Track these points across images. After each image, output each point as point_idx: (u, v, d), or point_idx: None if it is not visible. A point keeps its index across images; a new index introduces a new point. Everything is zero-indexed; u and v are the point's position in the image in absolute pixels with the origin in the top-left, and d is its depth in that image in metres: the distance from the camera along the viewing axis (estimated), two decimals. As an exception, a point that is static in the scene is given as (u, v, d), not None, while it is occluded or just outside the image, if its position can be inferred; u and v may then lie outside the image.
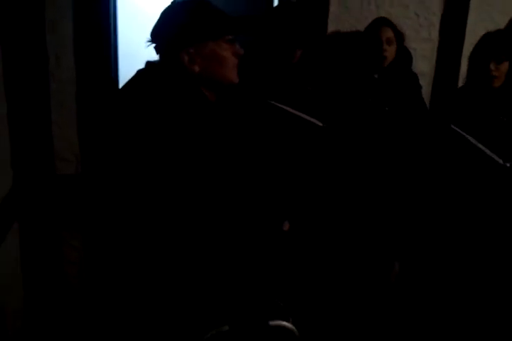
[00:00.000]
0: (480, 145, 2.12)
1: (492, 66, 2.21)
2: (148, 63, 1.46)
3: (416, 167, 2.38)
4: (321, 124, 2.25)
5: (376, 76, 2.47)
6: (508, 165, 2.11)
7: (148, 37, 1.45)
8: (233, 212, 1.46)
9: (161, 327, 1.46)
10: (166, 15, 1.45)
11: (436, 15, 2.64)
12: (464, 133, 2.17)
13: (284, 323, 1.48)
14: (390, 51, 2.42)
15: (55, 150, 2.39)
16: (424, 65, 2.67)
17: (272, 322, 1.45)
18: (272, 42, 2.32)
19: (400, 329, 2.48)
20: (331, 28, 2.58)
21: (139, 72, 1.46)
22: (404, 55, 2.52)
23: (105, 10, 2.37)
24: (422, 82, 2.58)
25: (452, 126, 2.22)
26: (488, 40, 2.27)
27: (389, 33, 2.42)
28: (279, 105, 2.20)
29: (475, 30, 2.60)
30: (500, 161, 2.12)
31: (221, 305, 1.45)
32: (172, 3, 1.47)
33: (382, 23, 2.45)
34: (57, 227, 2.46)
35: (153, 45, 1.45)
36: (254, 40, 2.47)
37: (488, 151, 2.10)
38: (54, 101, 2.35)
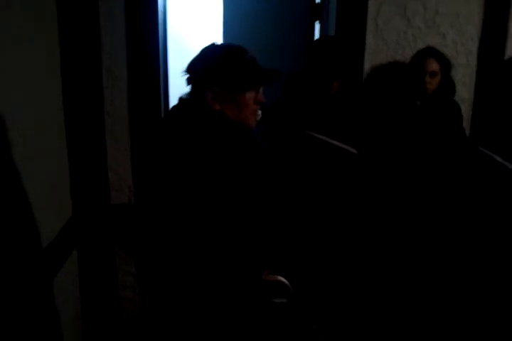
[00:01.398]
0: (507, 164, 2.14)
1: None
2: (180, 99, 1.60)
3: (448, 188, 2.40)
4: (355, 152, 2.33)
5: (418, 103, 2.52)
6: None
7: (184, 67, 1.59)
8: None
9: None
10: (205, 53, 1.59)
11: (474, 41, 2.66)
12: (491, 153, 2.19)
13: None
14: (433, 83, 2.47)
15: (110, 181, 2.58)
16: (463, 91, 2.68)
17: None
18: (310, 74, 2.44)
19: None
20: (368, 59, 2.65)
21: (173, 108, 1.61)
22: (448, 85, 2.55)
23: (156, 54, 2.55)
24: (461, 107, 2.61)
25: (480, 148, 2.25)
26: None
27: (434, 66, 2.46)
28: (315, 135, 2.30)
29: (513, 55, 2.62)
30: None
31: (253, 322, 1.54)
32: (213, 44, 1.61)
33: (428, 54, 2.49)
34: (113, 253, 2.63)
35: (187, 76, 1.59)
36: (294, 72, 2.60)
37: None
38: (109, 137, 2.55)
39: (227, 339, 1.55)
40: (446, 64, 2.50)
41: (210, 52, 1.59)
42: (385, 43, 2.67)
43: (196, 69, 1.56)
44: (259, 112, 1.61)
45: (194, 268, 1.50)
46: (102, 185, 2.56)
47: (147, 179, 1.62)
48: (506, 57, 2.64)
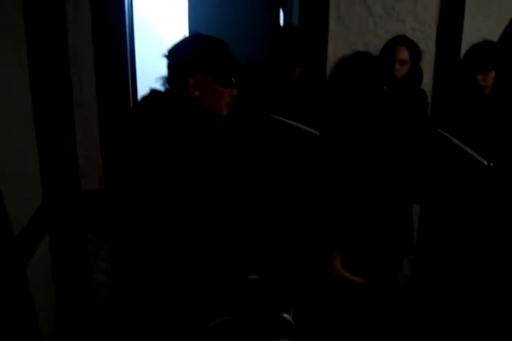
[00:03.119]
0: (465, 147, 2.24)
1: (479, 76, 2.32)
2: (152, 91, 1.63)
3: (406, 167, 2.50)
4: (317, 133, 2.41)
5: (385, 87, 2.57)
6: (492, 165, 2.22)
7: (165, 52, 1.62)
8: (235, 211, 1.62)
9: (171, 318, 1.61)
10: (188, 42, 1.62)
11: (431, 28, 2.76)
12: (449, 136, 2.29)
13: (282, 314, 1.63)
14: (401, 71, 2.51)
15: (80, 168, 2.61)
16: (423, 76, 2.75)
17: (270, 313, 1.60)
18: (274, 61, 2.50)
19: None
20: (331, 45, 2.73)
21: (144, 99, 1.63)
22: (416, 73, 2.62)
23: (123, 37, 2.58)
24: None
25: (439, 130, 2.34)
26: (474, 51, 2.39)
27: (404, 54, 2.48)
28: (279, 118, 2.37)
29: (471, 40, 2.70)
30: (485, 162, 2.24)
31: (223, 297, 1.60)
32: (198, 33, 1.64)
33: (399, 42, 2.52)
34: (85, 239, 2.66)
35: (167, 61, 1.62)
36: (258, 61, 2.66)
37: (473, 153, 2.22)
38: (78, 124, 2.57)
39: (200, 316, 1.61)
40: (416, 52, 2.54)
41: (194, 39, 1.62)
42: (347, 30, 2.74)
43: (179, 55, 1.59)
44: None
45: (165, 251, 1.55)
46: (72, 171, 2.58)
47: (118, 167, 1.66)
48: (463, 42, 2.75)
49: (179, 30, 4.00)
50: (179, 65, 1.58)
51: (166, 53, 1.61)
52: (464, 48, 2.71)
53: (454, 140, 2.31)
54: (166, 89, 1.63)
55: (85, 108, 2.57)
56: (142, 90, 2.82)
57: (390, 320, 2.61)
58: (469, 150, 2.29)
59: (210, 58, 1.56)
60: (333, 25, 2.72)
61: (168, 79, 1.61)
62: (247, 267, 1.81)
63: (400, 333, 2.59)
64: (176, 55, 1.60)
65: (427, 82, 2.79)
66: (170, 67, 1.61)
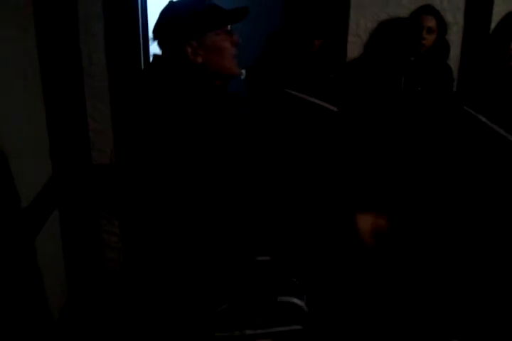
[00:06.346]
0: (493, 125, 2.12)
1: None
2: (155, 56, 1.55)
3: (430, 147, 2.39)
4: (335, 109, 2.30)
5: (412, 58, 2.49)
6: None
7: (151, 35, 1.55)
8: (247, 195, 1.54)
9: (179, 302, 1.56)
10: (166, 13, 1.54)
11: (460, -3, 2.61)
12: (476, 114, 2.17)
13: (293, 300, 1.56)
14: (428, 40, 2.43)
15: (91, 141, 2.55)
16: (450, 49, 2.63)
17: (281, 298, 1.54)
18: (291, 33, 2.38)
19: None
20: (353, 16, 2.59)
21: (149, 65, 1.56)
22: (443, 46, 2.52)
23: (135, 6, 2.48)
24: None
25: (465, 108, 2.22)
26: (509, 18, 2.26)
27: (431, 22, 2.42)
28: (294, 92, 2.26)
29: (501, 12, 2.56)
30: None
31: (231, 281, 1.54)
32: (170, 2, 1.56)
33: (426, 10, 2.45)
34: (96, 214, 2.62)
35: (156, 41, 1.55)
36: (275, 31, 2.54)
37: (501, 131, 2.10)
38: (88, 96, 2.49)
39: (210, 297, 1.56)
40: (443, 23, 2.46)
41: (171, 10, 1.54)
42: (370, -1, 2.61)
43: (166, 30, 1.52)
44: (243, 72, 1.58)
45: (178, 230, 1.49)
46: (82, 144, 2.52)
47: (128, 142, 1.59)
48: (494, 13, 2.60)
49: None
50: (169, 39, 1.51)
51: (152, 36, 1.55)
52: (495, 20, 2.57)
53: (482, 118, 2.19)
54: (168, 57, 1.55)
55: (96, 79, 2.49)
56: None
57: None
58: (498, 129, 2.17)
59: (192, 19, 1.48)
60: (355, -6, 2.58)
61: (165, 55, 1.54)
62: (257, 247, 1.74)
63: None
64: (162, 33, 1.53)
65: (455, 55, 2.66)
66: (161, 44, 1.54)
